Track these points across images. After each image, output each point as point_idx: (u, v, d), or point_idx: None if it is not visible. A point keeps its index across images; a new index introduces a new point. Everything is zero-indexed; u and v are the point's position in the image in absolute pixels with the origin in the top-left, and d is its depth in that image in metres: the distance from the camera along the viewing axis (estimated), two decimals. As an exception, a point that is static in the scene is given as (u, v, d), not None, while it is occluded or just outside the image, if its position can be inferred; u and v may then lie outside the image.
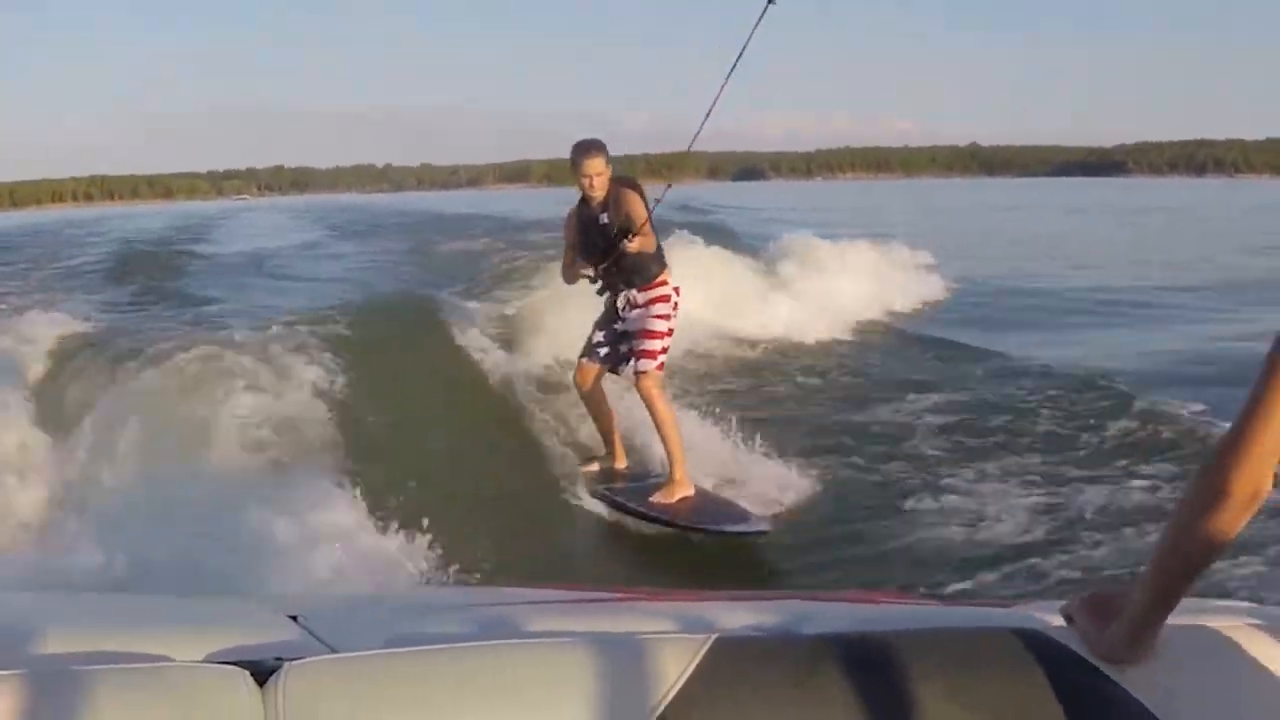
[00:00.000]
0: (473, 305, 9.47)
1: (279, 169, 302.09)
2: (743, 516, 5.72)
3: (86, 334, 8.63)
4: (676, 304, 6.13)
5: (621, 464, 6.48)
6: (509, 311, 9.28)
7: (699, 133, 5.69)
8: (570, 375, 6.70)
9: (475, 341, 8.36)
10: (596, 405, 6.47)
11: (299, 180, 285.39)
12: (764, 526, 5.61)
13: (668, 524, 5.78)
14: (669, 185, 6.26)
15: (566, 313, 8.53)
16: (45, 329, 8.39)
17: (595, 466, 6.52)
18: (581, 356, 6.40)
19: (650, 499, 5.90)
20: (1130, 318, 13.30)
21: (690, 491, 5.91)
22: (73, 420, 6.49)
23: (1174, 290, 15.63)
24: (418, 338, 8.03)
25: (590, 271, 6.05)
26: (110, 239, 25.36)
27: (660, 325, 6.03)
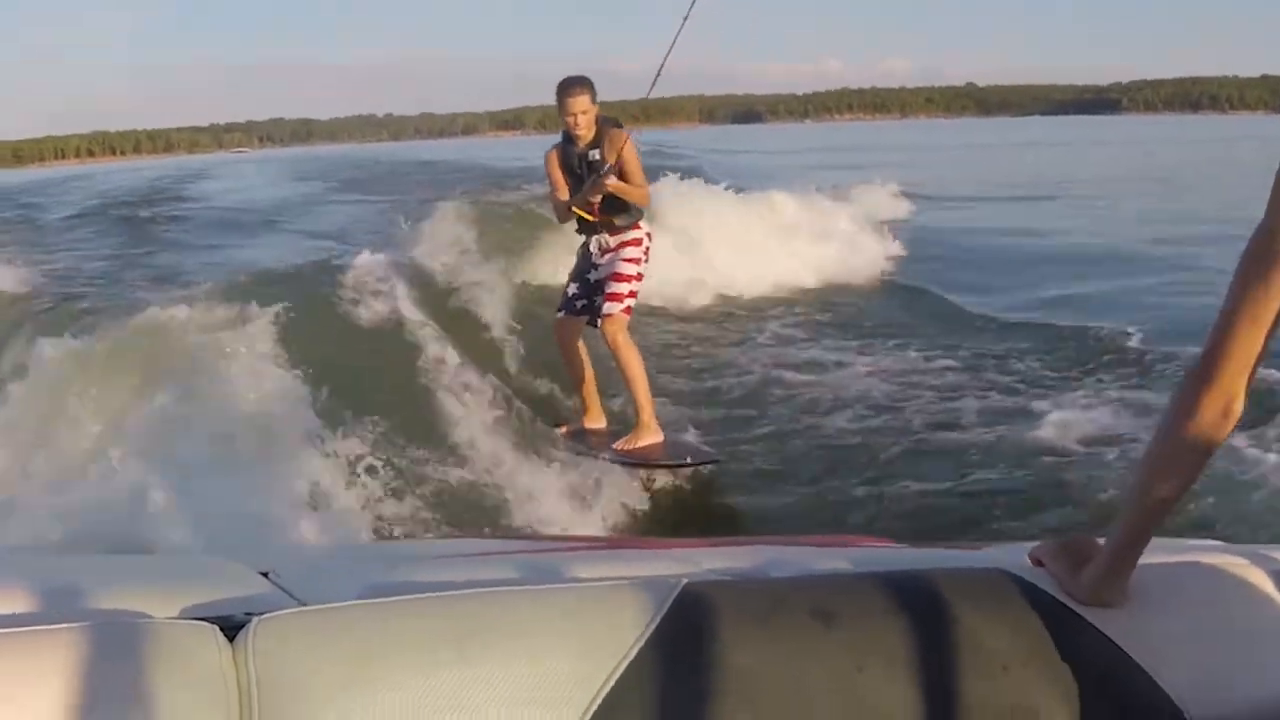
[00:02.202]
0: (439, 257, 9.36)
1: (279, 121, 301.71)
2: (708, 456, 5.81)
3: (39, 293, 8.55)
4: (648, 249, 5.99)
5: (598, 424, 6.31)
6: (475, 260, 9.13)
7: (656, 79, 5.63)
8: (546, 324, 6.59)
9: (437, 295, 8.25)
10: (574, 361, 6.25)
11: (299, 132, 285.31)
12: (714, 456, 5.78)
13: (636, 465, 5.73)
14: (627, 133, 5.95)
15: (538, 259, 8.46)
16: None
17: (568, 428, 6.35)
18: (558, 310, 6.23)
19: (615, 445, 5.85)
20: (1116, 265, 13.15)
21: (658, 438, 5.85)
22: (19, 382, 6.40)
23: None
24: (381, 292, 7.90)
25: (595, 200, 5.79)
26: (89, 195, 25.19)
27: (629, 269, 5.88)
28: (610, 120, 5.90)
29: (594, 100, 5.77)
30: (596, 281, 6.01)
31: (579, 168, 5.85)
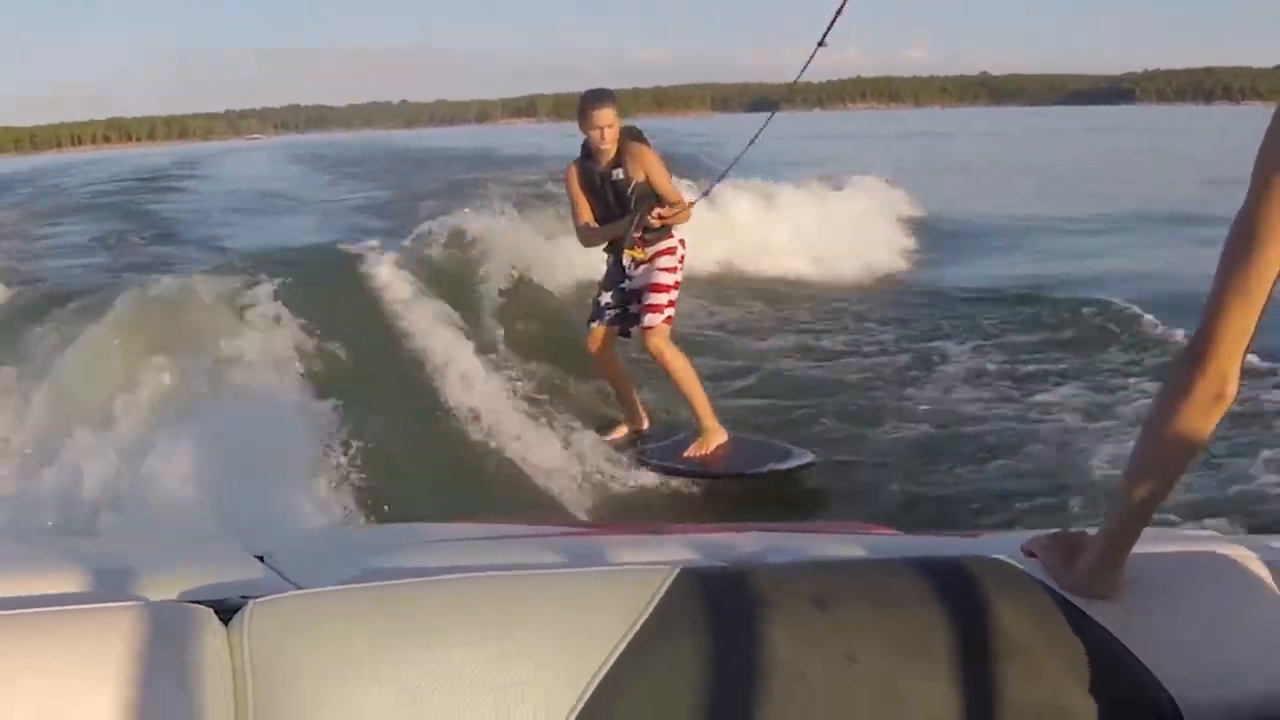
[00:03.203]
0: (455, 249, 9.35)
1: (295, 108, 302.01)
2: (785, 453, 5.56)
3: (36, 277, 8.57)
4: (683, 256, 5.78)
5: (644, 425, 6.07)
6: (484, 251, 9.12)
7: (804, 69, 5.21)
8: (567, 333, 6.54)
9: (444, 283, 8.20)
10: (611, 369, 6.09)
11: (315, 118, 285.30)
12: (809, 458, 5.48)
13: (709, 475, 5.58)
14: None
15: (561, 258, 8.38)
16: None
17: (619, 433, 6.11)
18: (590, 321, 5.97)
19: (684, 454, 5.63)
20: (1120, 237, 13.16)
21: (724, 438, 5.65)
22: (14, 366, 6.43)
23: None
24: (387, 284, 7.87)
25: (637, 235, 5.58)
26: (98, 180, 25.24)
27: (666, 279, 5.65)
28: (630, 130, 5.73)
29: (618, 113, 5.59)
30: (632, 291, 5.80)
31: (601, 187, 5.63)
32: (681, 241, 5.78)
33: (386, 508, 4.93)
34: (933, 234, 14.02)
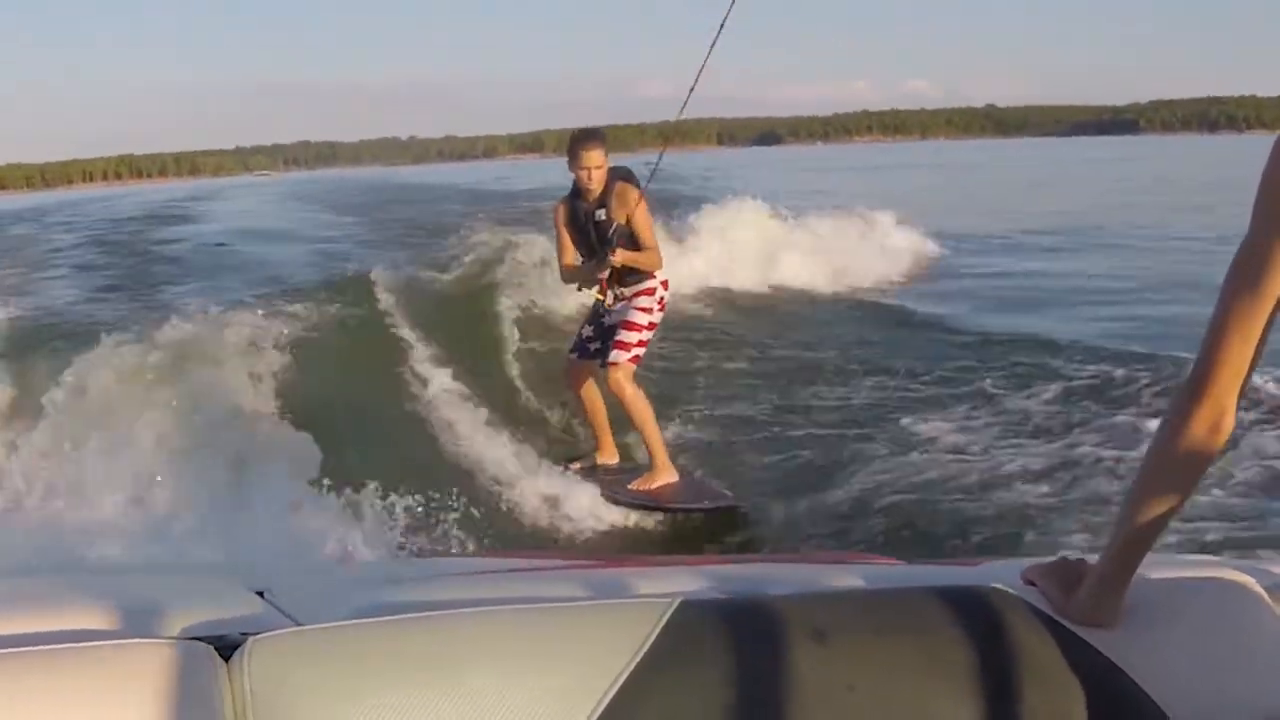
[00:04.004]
0: (445, 280, 9.39)
1: (305, 144, 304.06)
2: (722, 497, 5.76)
3: (41, 317, 8.61)
4: (663, 299, 5.96)
5: (611, 459, 6.32)
6: (481, 292, 9.17)
7: (685, 104, 5.44)
8: (548, 364, 6.73)
9: (441, 320, 8.27)
10: (587, 400, 6.28)
11: (324, 155, 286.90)
12: (729, 500, 5.71)
13: (653, 508, 5.75)
14: (661, 153, 6.16)
15: (543, 290, 8.43)
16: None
17: (583, 462, 6.36)
18: (570, 351, 6.27)
19: (630, 485, 5.85)
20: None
21: (673, 478, 5.85)
22: (17, 406, 6.44)
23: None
24: (380, 317, 7.95)
25: (603, 276, 5.79)
26: (95, 219, 25.41)
27: (640, 318, 5.85)
28: (619, 170, 5.84)
29: (606, 154, 5.72)
30: (610, 326, 5.96)
31: (586, 225, 5.79)
32: (664, 284, 5.97)
33: (385, 543, 5.01)
34: (922, 267, 14.09)
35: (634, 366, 5.83)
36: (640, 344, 5.85)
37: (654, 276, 5.89)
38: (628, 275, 5.84)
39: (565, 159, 5.82)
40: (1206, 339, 1.30)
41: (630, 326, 5.83)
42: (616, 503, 5.81)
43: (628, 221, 5.66)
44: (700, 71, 5.17)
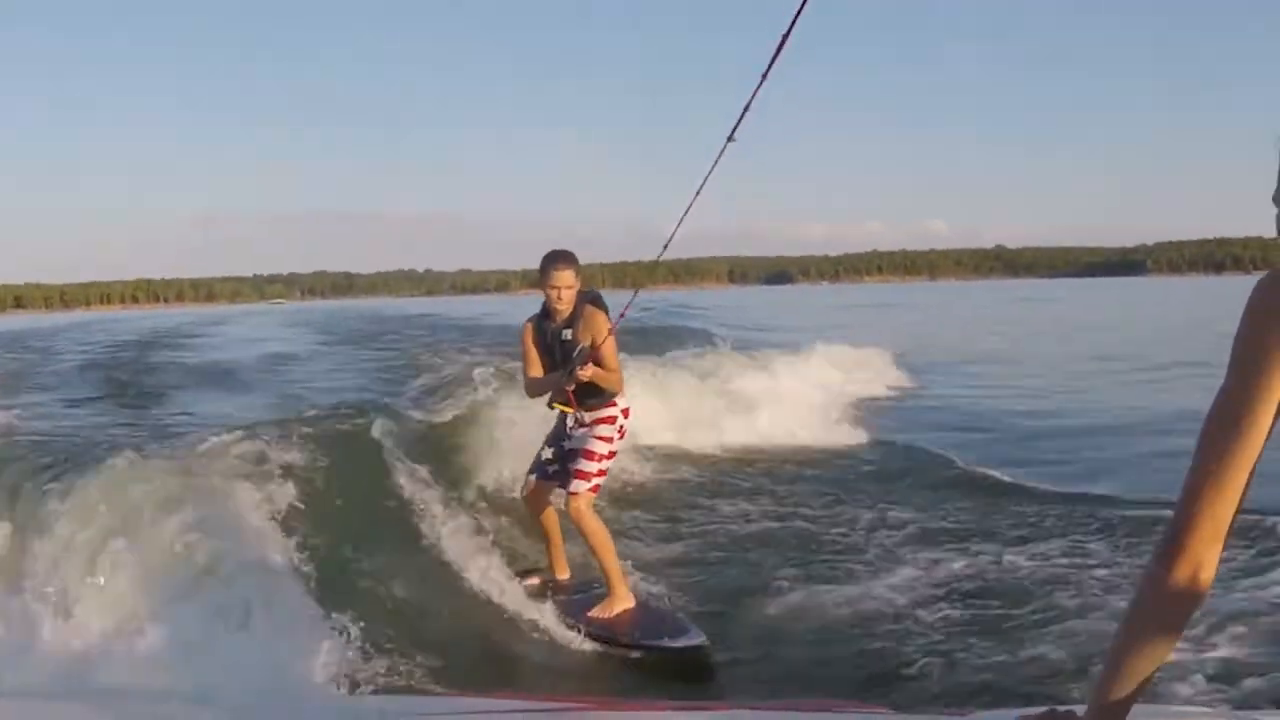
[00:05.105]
0: (420, 414, 9.44)
1: (321, 273, 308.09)
2: (682, 629, 5.54)
3: (38, 437, 8.65)
4: (623, 427, 5.98)
5: (564, 576, 6.36)
6: (452, 420, 9.21)
7: (667, 244, 5.34)
8: (518, 489, 6.64)
9: (417, 453, 8.25)
10: (544, 519, 6.34)
11: (340, 285, 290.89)
12: (701, 640, 5.41)
13: (607, 641, 5.62)
14: (635, 293, 6.11)
15: (512, 424, 8.47)
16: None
17: (536, 580, 6.36)
18: (530, 473, 6.27)
19: (589, 613, 5.77)
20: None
21: (630, 604, 5.78)
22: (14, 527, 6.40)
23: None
24: (361, 450, 7.94)
25: (569, 388, 5.79)
26: (102, 342, 25.73)
27: (600, 447, 5.85)
28: (589, 294, 5.90)
29: (578, 275, 5.79)
30: (570, 450, 5.98)
31: (552, 343, 5.86)
32: (624, 411, 6.01)
33: (369, 679, 4.92)
34: (902, 403, 14.19)
35: (593, 496, 5.85)
36: (600, 473, 5.87)
37: (615, 404, 5.92)
38: (589, 397, 5.88)
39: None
40: (1181, 496, 1.29)
41: (590, 456, 5.84)
42: (575, 630, 5.72)
43: (592, 344, 5.71)
44: (684, 214, 4.96)
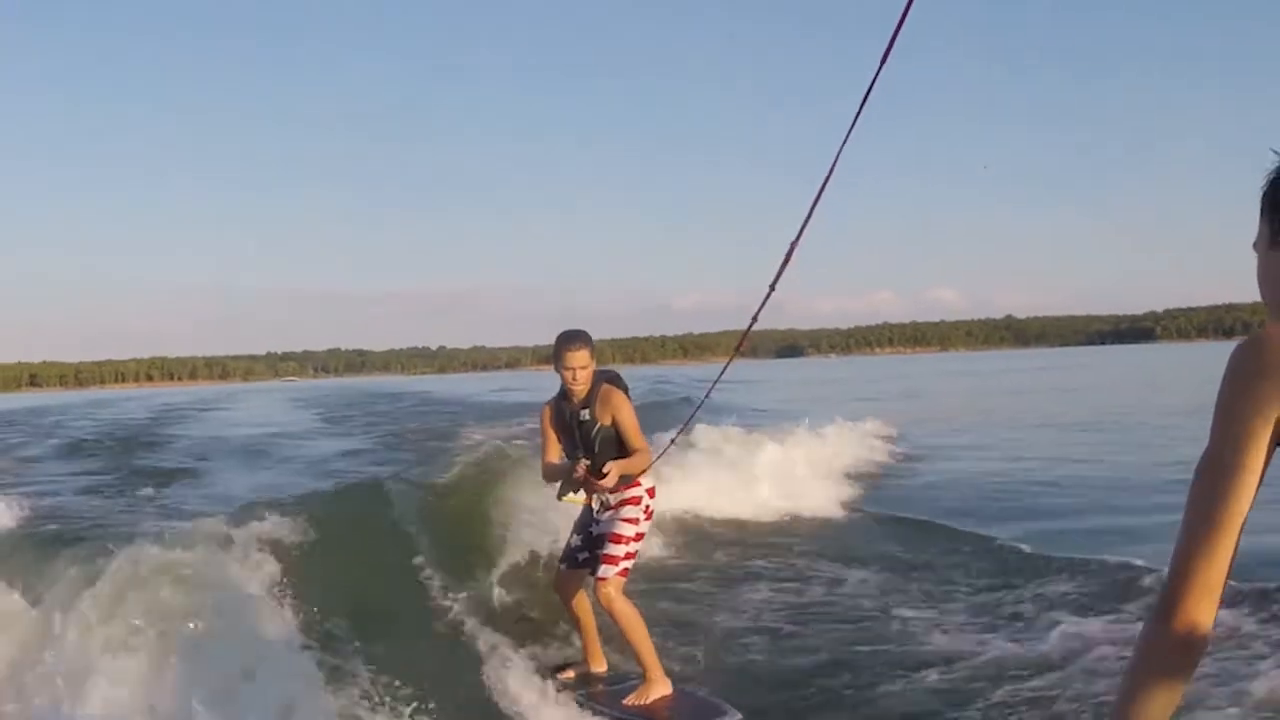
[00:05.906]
0: (446, 485, 9.42)
1: (335, 351, 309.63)
2: (719, 710, 5.52)
3: (40, 516, 8.66)
4: (649, 507, 5.86)
5: (600, 668, 6.19)
6: (469, 495, 9.17)
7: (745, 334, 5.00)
8: (540, 571, 6.61)
9: (443, 532, 8.20)
10: (577, 609, 6.16)
11: (353, 363, 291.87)
12: (732, 714, 5.43)
13: None
14: (725, 365, 6.13)
15: (537, 503, 8.42)
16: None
17: (572, 673, 6.19)
18: (560, 562, 6.17)
19: (624, 700, 5.66)
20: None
21: (668, 690, 5.69)
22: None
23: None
24: (376, 527, 7.92)
25: (580, 472, 5.68)
26: (112, 420, 25.84)
27: (627, 530, 5.74)
28: (606, 373, 5.85)
29: (593, 355, 5.70)
30: (598, 536, 5.89)
31: (571, 425, 5.77)
32: (649, 491, 5.87)
33: None
34: (905, 478, 14.18)
35: (623, 580, 5.71)
36: (628, 556, 5.73)
37: (639, 483, 5.80)
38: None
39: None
40: (1173, 560, 1.31)
41: (617, 539, 5.72)
42: (607, 717, 5.60)
43: (612, 423, 5.66)
44: (771, 287, 4.49)
